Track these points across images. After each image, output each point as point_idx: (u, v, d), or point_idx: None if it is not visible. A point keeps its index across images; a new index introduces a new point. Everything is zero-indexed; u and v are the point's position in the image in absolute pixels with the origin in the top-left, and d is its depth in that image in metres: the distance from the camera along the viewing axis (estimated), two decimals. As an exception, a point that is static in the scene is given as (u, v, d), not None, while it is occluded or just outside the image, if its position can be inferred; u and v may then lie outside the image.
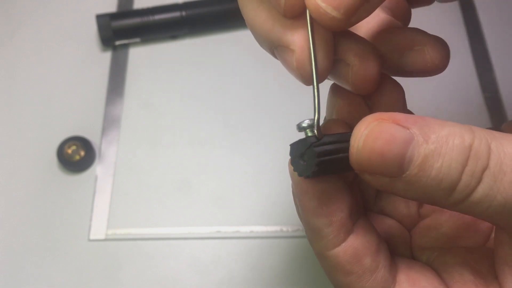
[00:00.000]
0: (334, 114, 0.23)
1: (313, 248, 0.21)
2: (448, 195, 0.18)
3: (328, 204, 0.20)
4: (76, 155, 0.43)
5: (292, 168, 0.20)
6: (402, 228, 0.24)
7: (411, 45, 0.22)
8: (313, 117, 0.20)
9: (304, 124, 0.19)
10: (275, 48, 0.21)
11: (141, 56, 0.50)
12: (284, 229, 0.42)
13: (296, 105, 0.46)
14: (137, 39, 0.50)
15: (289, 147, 0.20)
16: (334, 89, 0.23)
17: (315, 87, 0.20)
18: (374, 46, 0.22)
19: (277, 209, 0.42)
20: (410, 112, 0.24)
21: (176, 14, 0.50)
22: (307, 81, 0.20)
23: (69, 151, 0.43)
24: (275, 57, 0.21)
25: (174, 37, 0.51)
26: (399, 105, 0.23)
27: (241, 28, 0.51)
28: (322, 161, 0.19)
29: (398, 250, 0.24)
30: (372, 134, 0.18)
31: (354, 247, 0.20)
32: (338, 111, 0.23)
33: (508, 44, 0.50)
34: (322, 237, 0.20)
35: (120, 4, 0.53)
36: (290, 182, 0.22)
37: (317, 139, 0.19)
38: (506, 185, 0.17)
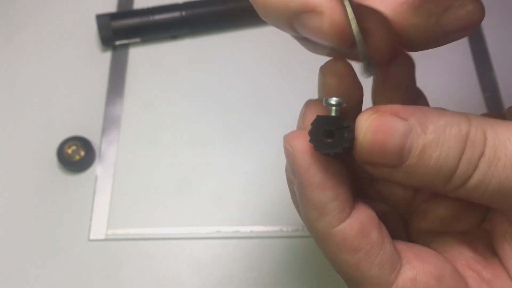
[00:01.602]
0: (323, 95, 0.22)
1: (316, 230, 0.20)
2: (446, 182, 0.19)
3: (333, 176, 0.20)
4: (76, 155, 0.43)
5: (300, 142, 0.19)
6: (396, 213, 0.24)
7: (451, 1, 0.21)
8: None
9: (332, 101, 0.19)
10: (296, 18, 0.19)
11: (141, 56, 0.50)
12: (284, 229, 0.42)
13: (296, 105, 0.46)
14: (137, 39, 0.50)
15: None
16: (323, 68, 0.22)
17: (360, 40, 0.18)
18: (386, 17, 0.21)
19: (277, 209, 0.42)
20: (418, 90, 0.24)
21: (176, 14, 0.49)
22: (344, 42, 0.19)
23: (69, 151, 0.43)
24: (294, 31, 0.20)
25: (174, 37, 0.51)
26: (410, 79, 0.23)
27: (241, 28, 0.51)
28: (350, 145, 0.19)
29: (394, 235, 0.23)
30: (371, 127, 0.18)
31: (360, 221, 0.20)
32: (328, 92, 0.22)
33: (508, 44, 0.50)
34: (327, 213, 0.19)
35: (120, 4, 0.53)
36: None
37: (350, 123, 0.18)
38: (500, 170, 0.18)
